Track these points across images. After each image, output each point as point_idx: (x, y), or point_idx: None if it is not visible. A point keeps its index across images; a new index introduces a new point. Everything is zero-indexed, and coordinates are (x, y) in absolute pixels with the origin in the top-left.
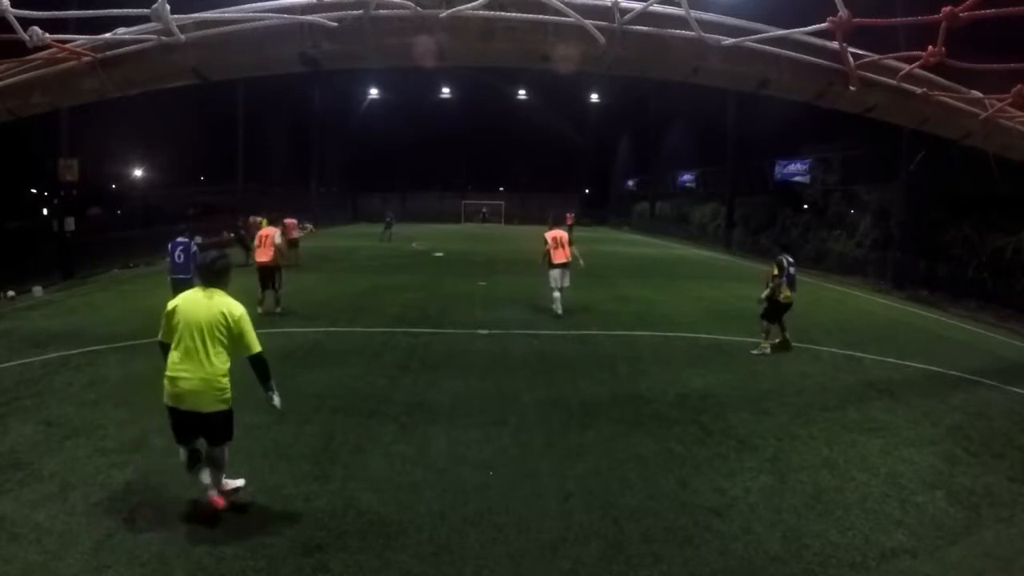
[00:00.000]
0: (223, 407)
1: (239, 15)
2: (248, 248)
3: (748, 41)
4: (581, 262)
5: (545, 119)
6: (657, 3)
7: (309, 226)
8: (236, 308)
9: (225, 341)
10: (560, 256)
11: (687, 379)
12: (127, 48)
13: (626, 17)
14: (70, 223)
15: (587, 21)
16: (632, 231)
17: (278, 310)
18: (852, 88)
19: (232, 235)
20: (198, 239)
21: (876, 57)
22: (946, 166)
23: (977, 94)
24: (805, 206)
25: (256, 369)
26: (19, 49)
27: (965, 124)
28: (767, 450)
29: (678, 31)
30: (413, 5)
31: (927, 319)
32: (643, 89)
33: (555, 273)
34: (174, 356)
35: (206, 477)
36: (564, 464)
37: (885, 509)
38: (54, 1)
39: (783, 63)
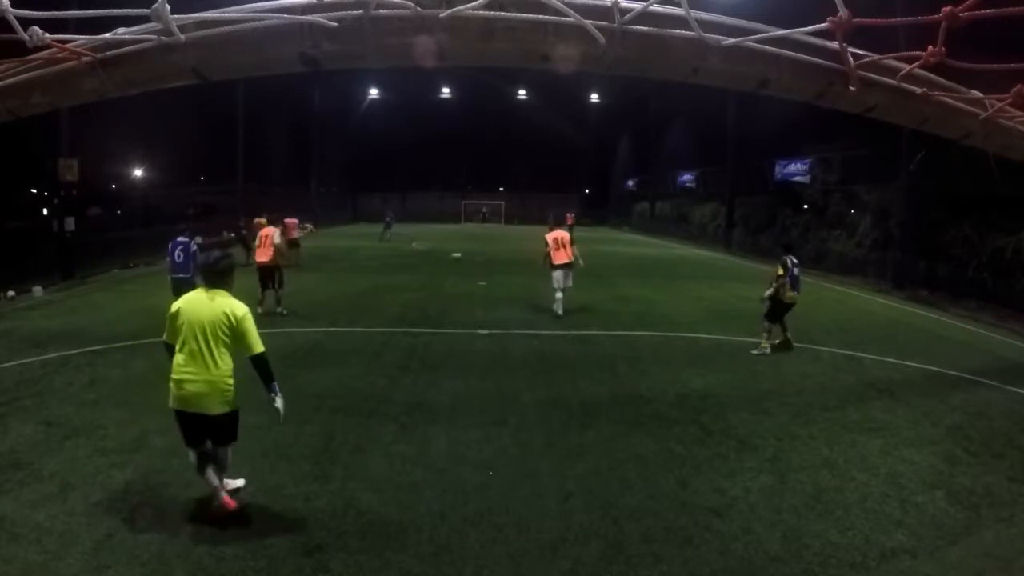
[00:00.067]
0: (229, 408)
1: (239, 15)
2: (250, 248)
3: (748, 41)
4: (581, 262)
5: (545, 119)
6: (657, 3)
7: (309, 226)
8: (239, 308)
9: (229, 342)
10: (562, 257)
11: (687, 379)
12: (127, 48)
13: (626, 17)
14: (70, 223)
15: (587, 21)
16: (632, 231)
17: (280, 310)
18: (852, 88)
19: (233, 235)
20: (198, 239)
21: (876, 57)
22: (946, 166)
23: (977, 94)
24: (805, 206)
25: (259, 370)
26: (19, 49)
27: (965, 124)
28: (767, 450)
29: (678, 31)
30: (413, 5)
31: (927, 319)
32: (643, 89)
33: (558, 274)
34: (179, 359)
35: (214, 479)
36: (564, 464)
37: (885, 509)
38: (54, 1)
39: (783, 63)
